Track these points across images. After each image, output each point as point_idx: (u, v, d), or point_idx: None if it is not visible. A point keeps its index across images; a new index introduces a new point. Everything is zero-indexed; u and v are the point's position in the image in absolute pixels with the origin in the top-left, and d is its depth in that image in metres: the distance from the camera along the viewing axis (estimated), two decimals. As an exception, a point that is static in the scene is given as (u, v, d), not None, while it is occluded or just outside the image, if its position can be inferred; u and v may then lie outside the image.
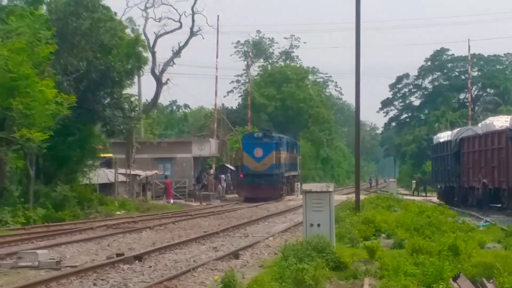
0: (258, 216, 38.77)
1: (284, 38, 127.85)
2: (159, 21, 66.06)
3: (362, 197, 37.67)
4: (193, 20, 67.06)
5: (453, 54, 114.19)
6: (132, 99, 49.88)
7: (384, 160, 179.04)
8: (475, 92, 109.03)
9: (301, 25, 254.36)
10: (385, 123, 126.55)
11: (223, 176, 65.60)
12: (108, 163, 52.68)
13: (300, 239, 19.78)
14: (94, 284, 16.51)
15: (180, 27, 66.26)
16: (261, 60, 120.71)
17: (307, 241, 17.58)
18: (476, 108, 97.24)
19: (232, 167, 69.24)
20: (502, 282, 13.53)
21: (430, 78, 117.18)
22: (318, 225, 18.48)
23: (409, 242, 18.69)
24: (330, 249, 17.14)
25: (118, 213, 40.93)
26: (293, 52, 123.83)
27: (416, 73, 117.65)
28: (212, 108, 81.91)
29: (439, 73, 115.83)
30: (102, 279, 17.12)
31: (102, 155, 50.98)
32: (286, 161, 62.44)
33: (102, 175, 48.08)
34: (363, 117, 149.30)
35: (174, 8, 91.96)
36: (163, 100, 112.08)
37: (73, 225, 32.82)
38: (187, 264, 19.52)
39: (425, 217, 26.36)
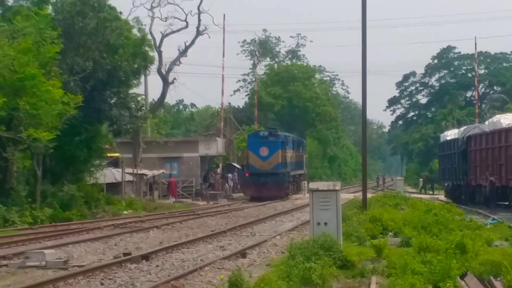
0: (265, 215, 38.76)
1: (290, 37, 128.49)
2: (165, 21, 66.07)
3: (369, 195, 37.63)
4: (199, 20, 67.03)
5: (460, 52, 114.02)
6: (139, 98, 49.97)
7: (391, 159, 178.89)
8: (482, 90, 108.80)
9: (307, 23, 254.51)
10: (392, 122, 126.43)
11: (230, 175, 65.60)
12: (115, 163, 52.76)
13: (307, 237, 19.76)
14: (101, 284, 16.53)
15: (186, 26, 66.25)
16: (268, 59, 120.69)
17: (314, 239, 17.55)
18: (483, 106, 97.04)
19: (239, 166, 69.21)
20: (509, 280, 13.52)
21: (437, 76, 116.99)
22: (325, 223, 18.44)
23: (416, 240, 18.67)
24: (337, 247, 17.12)
25: (125, 212, 40.98)
26: (299, 51, 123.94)
27: (423, 71, 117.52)
28: (219, 107, 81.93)
29: (446, 71, 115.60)
30: (109, 279, 17.13)
31: (109, 154, 51.10)
32: (292, 159, 62.31)
33: (109, 175, 48.13)
34: (370, 115, 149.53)
35: (180, 8, 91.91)
36: (170, 99, 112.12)
37: (80, 225, 32.86)
38: (194, 263, 19.53)
39: (432, 215, 26.27)
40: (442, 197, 55.03)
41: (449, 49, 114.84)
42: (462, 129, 51.43)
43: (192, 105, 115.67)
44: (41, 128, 33.25)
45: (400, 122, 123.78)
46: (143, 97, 58.37)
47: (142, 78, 55.29)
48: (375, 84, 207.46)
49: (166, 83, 63.76)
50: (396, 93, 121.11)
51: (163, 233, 29.53)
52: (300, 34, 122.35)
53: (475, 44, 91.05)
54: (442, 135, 57.94)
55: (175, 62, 64.92)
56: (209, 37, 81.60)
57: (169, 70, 64.14)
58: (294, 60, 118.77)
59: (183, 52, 65.45)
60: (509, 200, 39.47)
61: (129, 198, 46.85)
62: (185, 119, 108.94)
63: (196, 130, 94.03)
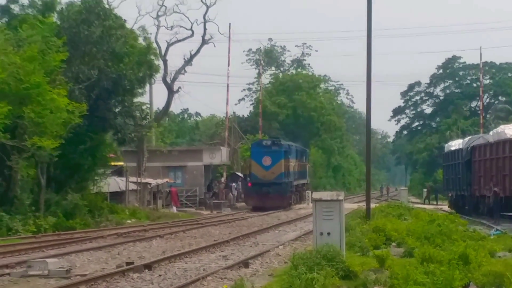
0: (268, 225, 38.73)
1: (295, 46, 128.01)
2: (171, 29, 66.43)
3: (373, 205, 37.56)
4: (204, 28, 67.24)
5: (465, 62, 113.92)
6: (144, 107, 49.99)
7: (396, 168, 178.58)
8: (487, 100, 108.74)
9: (313, 33, 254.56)
10: (397, 131, 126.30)
11: (234, 184, 65.55)
12: (119, 172, 52.76)
13: (310, 247, 19.75)
14: (104, 293, 16.54)
15: (192, 35, 66.44)
16: (273, 68, 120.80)
17: (317, 249, 17.54)
18: (488, 116, 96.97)
19: (242, 175, 69.15)
20: (512, 291, 13.49)
21: (441, 86, 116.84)
22: (328, 233, 18.41)
23: (420, 250, 18.63)
24: (340, 257, 17.10)
25: (129, 221, 40.97)
26: (304, 60, 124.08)
27: (428, 81, 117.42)
28: (224, 116, 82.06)
29: (450, 81, 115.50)
30: (112, 288, 17.15)
31: (113, 163, 51.10)
32: (295, 169, 62.12)
33: (113, 184, 48.12)
34: (374, 125, 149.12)
35: (186, 16, 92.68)
36: (175, 108, 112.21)
37: (84, 234, 32.88)
38: (197, 272, 19.51)
39: (436, 226, 26.25)
40: (445, 207, 54.96)
41: (454, 59, 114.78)
42: (466, 139, 51.39)
43: (197, 114, 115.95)
44: (46, 136, 33.27)
45: (405, 132, 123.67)
46: (148, 105, 58.50)
47: (147, 87, 55.52)
48: (380, 94, 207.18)
49: (171, 92, 63.87)
50: (400, 102, 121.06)
51: (166, 242, 29.52)
52: (306, 44, 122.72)
53: (480, 54, 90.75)
54: (446, 145, 57.91)
55: (180, 71, 65.11)
56: (215, 46, 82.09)
57: (174, 79, 64.31)
58: (299, 70, 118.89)
59: (188, 61, 65.63)
60: (513, 211, 39.41)
61: (132, 207, 46.85)
62: (190, 128, 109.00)
63: (200, 139, 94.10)
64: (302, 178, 67.50)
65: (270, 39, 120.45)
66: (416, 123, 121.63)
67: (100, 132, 43.13)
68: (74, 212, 37.31)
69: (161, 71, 56.87)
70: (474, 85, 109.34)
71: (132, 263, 20.93)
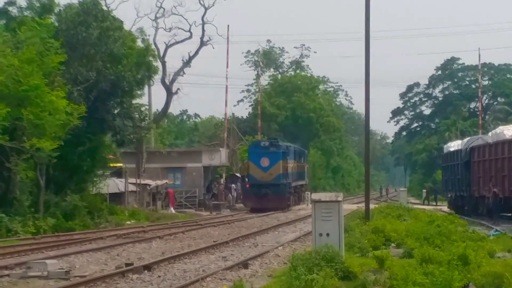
0: (268, 226, 38.71)
1: (294, 47, 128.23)
2: (169, 31, 66.41)
3: (372, 206, 37.59)
4: (203, 30, 67.25)
5: (463, 63, 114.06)
6: (142, 108, 49.99)
7: (395, 169, 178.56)
8: (486, 101, 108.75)
9: (311, 34, 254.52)
10: (396, 132, 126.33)
11: (233, 185, 65.52)
12: (118, 173, 52.77)
13: (310, 248, 19.75)
14: (103, 294, 16.54)
15: (190, 37, 66.42)
16: (271, 69, 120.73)
17: (316, 250, 17.55)
18: (487, 117, 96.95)
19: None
20: (511, 291, 13.49)
21: (440, 87, 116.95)
22: (327, 234, 18.42)
23: (419, 251, 18.64)
24: (339, 258, 17.10)
25: (128, 222, 40.98)
26: (303, 61, 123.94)
27: (427, 82, 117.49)
28: (222, 118, 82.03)
29: (449, 82, 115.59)
30: (111, 289, 17.15)
31: (112, 164, 51.10)
32: (293, 170, 61.95)
33: (112, 185, 48.11)
34: (373, 126, 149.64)
35: (184, 18, 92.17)
36: (174, 109, 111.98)
37: (83, 235, 32.86)
38: (196, 273, 19.52)
39: (435, 227, 26.24)
40: (445, 208, 54.95)
41: (453, 60, 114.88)
42: (465, 140, 51.39)
43: (196, 115, 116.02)
44: (45, 138, 33.29)
45: (404, 133, 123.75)
46: (147, 107, 58.48)
47: (146, 89, 55.43)
48: (379, 95, 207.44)
49: (169, 94, 63.88)
50: (399, 104, 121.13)
51: (165, 243, 29.53)
52: (304, 45, 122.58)
53: (479, 55, 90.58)
54: (445, 146, 57.88)
55: (179, 72, 65.10)
56: (213, 48, 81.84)
57: (173, 80, 64.32)
58: (298, 71, 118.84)
59: (187, 63, 65.62)
60: (512, 212, 39.44)
61: (132, 208, 46.85)
62: (189, 129, 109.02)
63: (199, 141, 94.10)
64: (300, 179, 67.39)
65: (268, 41, 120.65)
66: (415, 124, 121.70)
67: (99, 134, 43.13)
68: (73, 213, 37.31)
69: (160, 72, 56.87)
70: (473, 86, 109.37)
71: (132, 264, 20.94)
